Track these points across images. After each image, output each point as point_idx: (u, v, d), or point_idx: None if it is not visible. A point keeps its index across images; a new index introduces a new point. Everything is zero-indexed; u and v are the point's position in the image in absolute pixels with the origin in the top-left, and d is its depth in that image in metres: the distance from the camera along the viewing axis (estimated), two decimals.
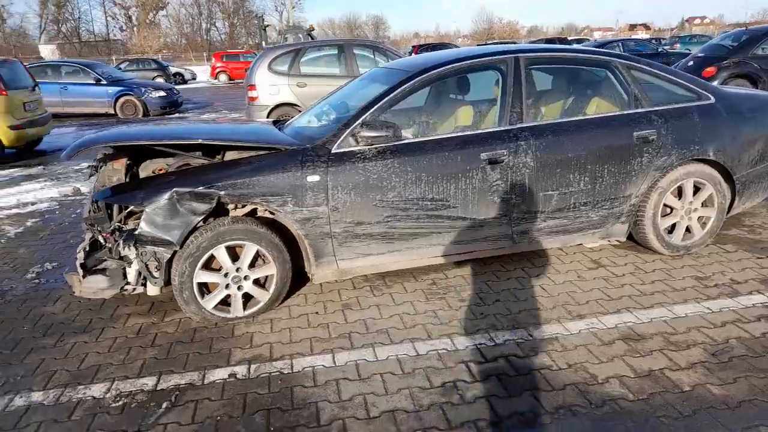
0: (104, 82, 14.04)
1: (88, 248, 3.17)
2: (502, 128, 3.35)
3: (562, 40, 30.27)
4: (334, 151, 3.14)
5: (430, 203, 3.25)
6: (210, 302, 3.10)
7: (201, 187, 2.96)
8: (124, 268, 3.11)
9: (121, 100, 13.96)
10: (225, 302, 3.16)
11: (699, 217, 3.79)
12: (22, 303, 3.54)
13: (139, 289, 3.14)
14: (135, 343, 2.99)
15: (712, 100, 3.72)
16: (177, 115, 14.61)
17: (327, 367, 2.68)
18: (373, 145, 3.15)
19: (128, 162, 3.48)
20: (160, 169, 3.49)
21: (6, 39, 59.87)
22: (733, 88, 4.07)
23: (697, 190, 3.72)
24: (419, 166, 3.20)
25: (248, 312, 3.18)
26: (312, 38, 25.33)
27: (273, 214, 3.14)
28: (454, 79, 3.70)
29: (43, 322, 3.27)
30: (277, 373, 2.65)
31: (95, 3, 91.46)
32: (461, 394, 2.44)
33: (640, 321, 2.99)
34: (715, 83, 9.18)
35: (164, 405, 2.44)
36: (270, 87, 8.54)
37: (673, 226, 3.76)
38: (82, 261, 3.08)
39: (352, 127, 3.17)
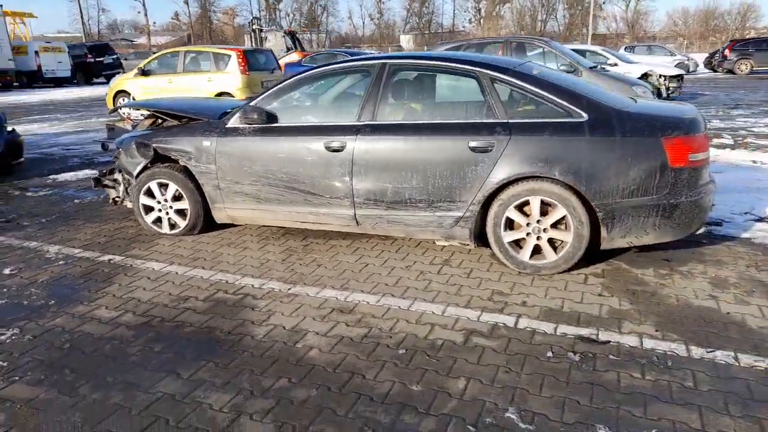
0: None
1: (106, 171, 5.02)
2: (348, 123, 3.93)
3: None
4: (227, 125, 4.26)
5: (285, 176, 4.09)
6: (149, 218, 4.63)
7: (146, 141, 4.48)
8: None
9: None
10: (161, 221, 4.64)
11: (551, 239, 3.62)
12: (98, 205, 5.66)
13: (126, 202, 4.87)
14: (105, 233, 4.74)
15: (584, 118, 3.48)
16: None
17: (155, 270, 3.94)
18: (250, 125, 4.16)
19: (158, 121, 5.20)
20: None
21: (380, 31, 74.45)
22: (648, 104, 3.55)
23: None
24: (279, 146, 4.07)
25: (172, 232, 4.60)
26: (294, 38, 24.76)
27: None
28: (337, 78, 4.33)
29: (90, 215, 5.30)
30: (129, 266, 4.03)
31: None
32: (189, 305, 3.41)
33: (374, 303, 3.36)
34: None
35: (61, 262, 4.09)
36: None
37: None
38: (95, 177, 4.95)
39: (241, 110, 4.23)
